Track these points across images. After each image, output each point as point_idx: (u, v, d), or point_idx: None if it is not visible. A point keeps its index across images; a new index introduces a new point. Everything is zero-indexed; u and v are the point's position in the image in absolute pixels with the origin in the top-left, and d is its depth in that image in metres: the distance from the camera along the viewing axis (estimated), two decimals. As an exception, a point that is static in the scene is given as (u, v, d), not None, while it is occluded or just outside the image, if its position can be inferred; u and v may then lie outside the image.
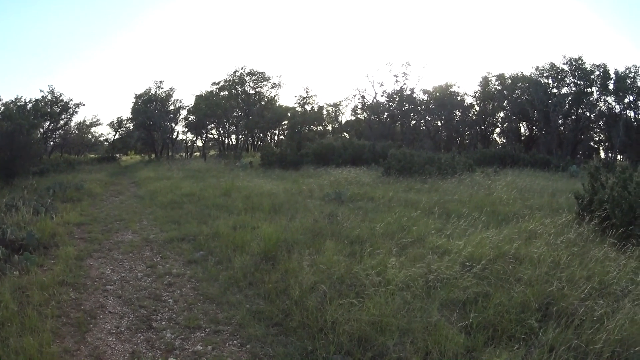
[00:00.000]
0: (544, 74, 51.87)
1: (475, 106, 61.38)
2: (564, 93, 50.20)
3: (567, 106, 49.57)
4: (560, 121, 49.78)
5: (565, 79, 50.44)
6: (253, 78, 70.86)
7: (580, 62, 49.26)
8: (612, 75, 47.97)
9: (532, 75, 53.13)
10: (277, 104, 74.13)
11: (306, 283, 7.74)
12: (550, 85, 51.09)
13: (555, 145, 47.76)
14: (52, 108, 59.89)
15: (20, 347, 6.12)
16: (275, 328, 6.96)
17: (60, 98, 61.46)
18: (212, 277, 9.35)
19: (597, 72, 48.74)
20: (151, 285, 9.16)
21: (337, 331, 6.28)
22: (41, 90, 64.40)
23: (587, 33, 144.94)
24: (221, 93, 70.30)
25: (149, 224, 15.38)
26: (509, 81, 56.15)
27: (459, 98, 60.30)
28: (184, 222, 14.83)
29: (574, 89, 49.96)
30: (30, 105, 55.60)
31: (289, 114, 71.36)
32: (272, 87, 72.55)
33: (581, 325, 5.91)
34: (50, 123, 60.39)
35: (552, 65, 51.04)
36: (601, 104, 50.07)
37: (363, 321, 6.35)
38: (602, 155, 52.20)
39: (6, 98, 65.85)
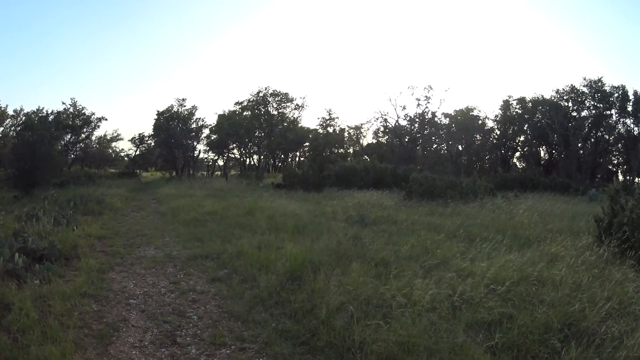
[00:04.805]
0: (564, 97, 52.03)
1: (496, 130, 61.25)
2: (584, 116, 50.28)
3: (586, 129, 49.52)
4: (579, 145, 49.67)
5: (585, 101, 50.53)
6: (276, 99, 71.19)
7: (600, 84, 49.43)
8: (631, 97, 48.08)
9: (553, 98, 53.13)
10: (300, 125, 74.17)
11: (333, 303, 7.70)
12: (570, 109, 51.10)
13: (574, 169, 47.62)
14: (74, 121, 60.62)
15: (42, 355, 6.21)
16: (302, 347, 6.95)
17: (83, 111, 62.31)
18: (237, 295, 9.34)
19: (616, 94, 48.87)
20: (175, 301, 9.17)
21: (364, 351, 6.34)
22: (63, 103, 65.34)
23: (606, 53, 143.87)
24: (244, 113, 70.53)
25: (172, 241, 15.51)
26: (530, 105, 56.08)
27: (479, 122, 60.27)
28: (207, 240, 14.87)
29: (593, 111, 50.01)
30: (52, 117, 56.25)
31: (310, 136, 71.38)
32: (295, 109, 72.65)
33: (602, 345, 6.03)
34: (71, 136, 61.20)
35: (573, 88, 51.19)
36: (620, 126, 50.15)
37: (390, 341, 6.38)
38: (620, 178, 52.05)
39: (27, 108, 66.58)
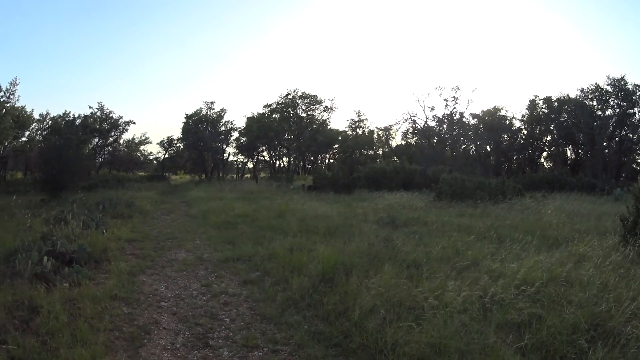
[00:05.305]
0: (589, 96, 51.80)
1: (523, 130, 61.00)
2: (608, 115, 50.03)
3: (610, 128, 49.27)
4: (604, 144, 49.46)
5: (609, 100, 50.33)
6: (305, 101, 71.27)
7: (622, 82, 49.02)
8: (654, 95, 47.20)
9: (578, 97, 52.92)
10: (329, 127, 74.19)
11: (365, 305, 7.76)
12: (595, 108, 50.89)
13: (600, 168, 47.38)
14: (102, 125, 61.40)
15: (71, 358, 6.27)
16: (334, 349, 7.01)
17: (110, 115, 62.87)
18: (269, 298, 9.39)
19: (639, 92, 48.53)
20: (207, 303, 9.23)
21: (397, 352, 6.39)
22: (90, 107, 65.25)
23: (628, 51, 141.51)
24: (273, 115, 70.77)
25: (203, 244, 15.64)
26: (556, 104, 55.73)
27: (507, 122, 60.09)
28: (238, 242, 14.96)
29: (617, 110, 49.71)
30: (79, 121, 56.78)
31: (340, 138, 71.46)
32: (325, 111, 72.81)
33: (627, 345, 6.12)
34: (99, 139, 61.86)
35: (597, 87, 50.88)
36: (643, 124, 49.39)
37: (422, 343, 6.42)
38: (644, 176, 51.87)
39: (54, 112, 67.12)
